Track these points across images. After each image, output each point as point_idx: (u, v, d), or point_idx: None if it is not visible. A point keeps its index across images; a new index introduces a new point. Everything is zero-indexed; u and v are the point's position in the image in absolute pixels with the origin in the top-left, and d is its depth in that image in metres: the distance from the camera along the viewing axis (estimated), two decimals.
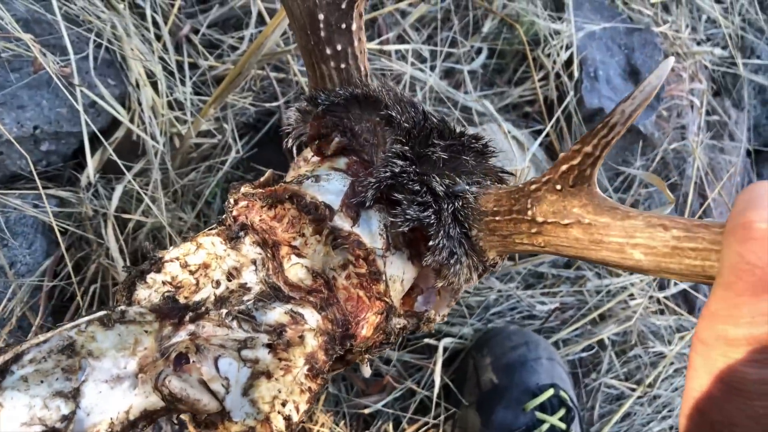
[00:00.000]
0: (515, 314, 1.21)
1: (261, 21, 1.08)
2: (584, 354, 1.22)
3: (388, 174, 0.53)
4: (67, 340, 0.47)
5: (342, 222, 0.54)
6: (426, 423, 1.02)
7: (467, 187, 0.56)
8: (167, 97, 0.97)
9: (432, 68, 1.20)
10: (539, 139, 1.17)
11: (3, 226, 0.81)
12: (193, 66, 1.04)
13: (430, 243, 0.54)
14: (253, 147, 1.06)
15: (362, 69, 0.59)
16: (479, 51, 1.30)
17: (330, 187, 0.55)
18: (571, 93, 1.28)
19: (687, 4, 1.66)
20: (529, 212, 0.52)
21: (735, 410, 0.34)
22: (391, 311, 0.55)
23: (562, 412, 0.97)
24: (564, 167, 0.49)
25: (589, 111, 1.29)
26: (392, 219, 0.54)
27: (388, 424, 1.02)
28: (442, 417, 1.02)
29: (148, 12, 1.00)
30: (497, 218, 0.54)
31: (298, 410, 0.53)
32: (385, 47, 1.14)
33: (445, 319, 0.67)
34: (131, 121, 0.92)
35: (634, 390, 1.22)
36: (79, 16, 0.92)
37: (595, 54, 1.32)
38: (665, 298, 1.28)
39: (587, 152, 0.48)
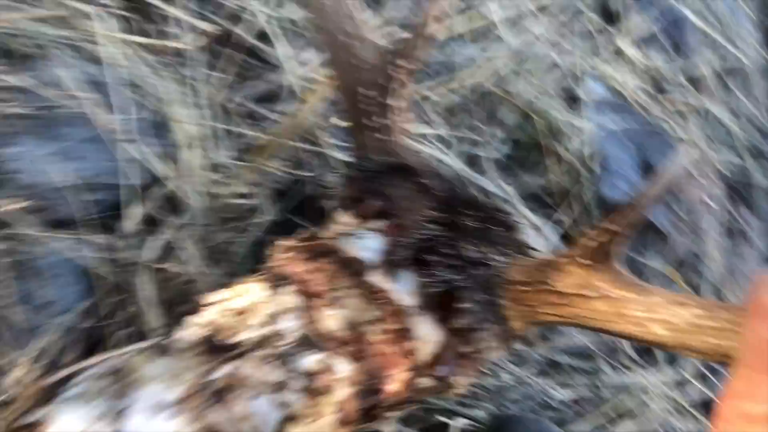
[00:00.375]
0: (530, 401, 1.21)
1: (297, 95, 1.16)
2: None
3: (423, 237, 0.58)
4: (119, 366, 0.51)
5: (377, 279, 0.58)
6: None
7: (496, 257, 0.60)
8: (206, 159, 1.03)
9: (456, 154, 1.27)
10: (554, 228, 1.21)
11: (44, 267, 0.86)
12: (231, 133, 1.11)
13: (460, 306, 0.57)
14: (283, 213, 1.11)
15: (402, 142, 0.65)
16: (502, 141, 1.37)
17: (368, 245, 0.60)
18: (588, 185, 1.34)
19: (705, 115, 1.75)
20: (556, 284, 0.55)
21: None
22: (419, 370, 0.58)
23: None
24: (591, 244, 0.53)
25: (605, 203, 1.34)
26: (424, 280, 0.58)
27: None
28: None
29: (194, 82, 1.08)
30: (524, 288, 0.58)
31: None
32: (411, 130, 1.21)
33: (465, 390, 0.69)
34: (171, 179, 0.98)
35: None
36: (132, 81, 0.99)
37: (613, 149, 1.38)
38: (688, 404, 1.28)
39: (613, 231, 0.52)
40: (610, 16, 1.77)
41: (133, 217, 0.94)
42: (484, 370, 1.14)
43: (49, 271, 0.87)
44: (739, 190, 1.70)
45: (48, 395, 0.49)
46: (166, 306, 0.91)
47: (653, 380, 1.25)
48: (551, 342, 1.27)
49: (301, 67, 1.18)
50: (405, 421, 1.07)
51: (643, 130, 1.45)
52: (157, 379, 0.52)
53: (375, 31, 0.99)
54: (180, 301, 0.94)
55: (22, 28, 0.95)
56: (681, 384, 1.30)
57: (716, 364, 0.49)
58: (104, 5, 1.04)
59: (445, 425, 1.05)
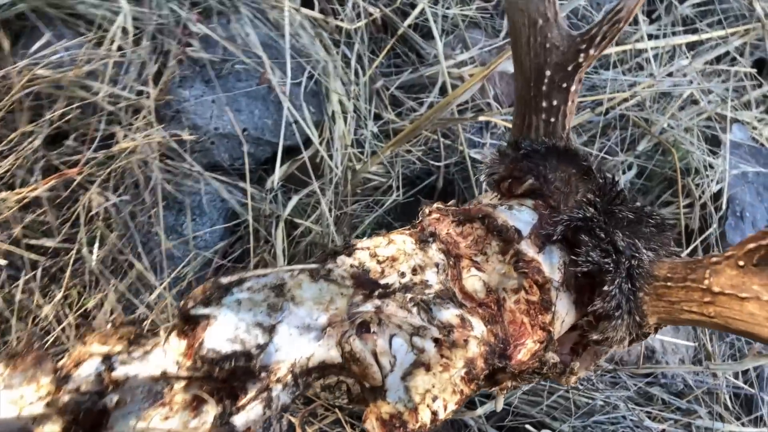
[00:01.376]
0: (618, 428, 1.18)
1: (443, 91, 1.20)
2: None
3: (579, 216, 0.59)
4: (280, 281, 0.55)
5: (528, 248, 0.60)
6: None
7: (646, 251, 0.61)
8: (353, 134, 1.09)
9: None
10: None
11: (198, 202, 0.93)
12: (377, 116, 1.16)
13: (604, 288, 0.58)
14: (410, 198, 1.15)
15: (566, 127, 0.67)
16: (630, 166, 1.36)
17: (521, 217, 0.62)
18: (715, 225, 1.30)
19: None
20: (706, 281, 0.55)
21: None
22: (551, 343, 0.59)
23: None
24: (751, 246, 0.53)
25: (729, 247, 1.30)
26: (573, 258, 0.59)
27: None
28: None
29: (353, 62, 1.14)
30: (669, 284, 0.58)
31: (446, 408, 0.57)
32: None
33: (578, 383, 0.70)
34: (320, 145, 1.04)
35: None
36: (302, 50, 1.06)
37: (745, 196, 1.34)
38: None
39: None
40: (761, 69, 1.72)
41: (279, 173, 1.00)
42: (575, 389, 1.13)
43: (200, 207, 0.95)
44: None
45: (220, 294, 0.53)
46: (292, 259, 0.97)
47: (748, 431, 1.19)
48: (649, 377, 1.24)
49: (455, 65, 1.22)
50: (493, 423, 1.08)
51: None
52: (311, 301, 0.56)
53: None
54: (304, 258, 0.99)
55: None
56: None
57: None
58: None
59: None
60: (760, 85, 1.65)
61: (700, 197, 1.32)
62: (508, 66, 1.07)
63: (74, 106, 0.84)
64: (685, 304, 0.57)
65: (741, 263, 0.53)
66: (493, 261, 0.61)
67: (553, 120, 0.66)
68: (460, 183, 1.19)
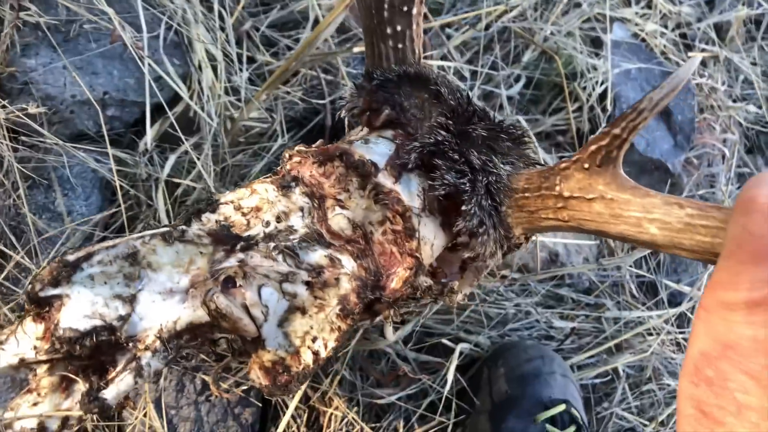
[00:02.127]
0: (532, 332, 1.24)
1: (317, 25, 1.16)
2: (598, 381, 1.24)
3: (431, 141, 0.59)
4: (132, 249, 0.53)
5: (385, 180, 0.60)
6: (437, 422, 1.05)
7: (502, 166, 0.61)
8: (225, 82, 1.04)
9: (471, 88, 1.27)
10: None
11: (67, 176, 0.88)
12: (251, 60, 1.12)
13: (463, 208, 0.59)
14: (298, 141, 1.13)
15: (417, 51, 0.66)
16: (518, 78, 1.36)
17: (377, 149, 0.61)
18: (604, 125, 1.33)
19: (725, 62, 1.72)
20: (557, 188, 0.57)
21: (729, 367, 0.36)
22: (420, 268, 0.60)
23: (572, 429, 0.98)
24: (593, 147, 0.54)
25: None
26: (430, 183, 0.59)
27: (399, 420, 1.05)
28: (452, 419, 1.05)
29: (216, 5, 1.08)
30: (526, 195, 0.60)
31: (326, 347, 0.58)
32: (428, 62, 1.21)
33: (465, 299, 0.72)
34: (190, 99, 0.99)
35: (645, 426, 1.23)
36: (155, 0, 1.00)
37: (629, 92, 1.37)
38: (684, 338, 1.30)
39: (615, 134, 0.53)
40: None
41: (152, 133, 0.96)
42: (484, 300, 1.17)
43: (71, 181, 0.90)
44: (755, 139, 1.68)
45: (68, 273, 0.51)
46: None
47: (654, 315, 1.26)
48: (555, 278, 1.30)
49: None
50: (411, 347, 1.11)
51: (662, 73, 1.43)
52: (169, 265, 0.54)
53: None
54: (209, 193, 0.97)
55: None
56: (681, 319, 1.31)
57: (705, 262, 0.50)
58: None
59: (450, 349, 1.08)
60: None
61: (587, 100, 1.35)
62: None
63: None
64: (543, 212, 0.58)
65: (586, 166, 0.54)
66: (355, 197, 0.60)
67: (401, 46, 0.65)
68: (349, 118, 1.17)
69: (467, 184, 0.58)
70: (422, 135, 0.61)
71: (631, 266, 1.33)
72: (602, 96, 1.35)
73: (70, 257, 0.52)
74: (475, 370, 1.13)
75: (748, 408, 0.34)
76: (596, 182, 0.54)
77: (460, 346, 1.10)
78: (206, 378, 0.92)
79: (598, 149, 0.54)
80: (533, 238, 0.92)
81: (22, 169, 0.85)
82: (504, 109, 1.28)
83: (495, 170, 0.60)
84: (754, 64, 1.76)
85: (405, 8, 0.63)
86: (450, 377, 1.03)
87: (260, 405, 0.92)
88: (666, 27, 1.66)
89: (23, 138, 0.86)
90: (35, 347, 0.50)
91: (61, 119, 0.91)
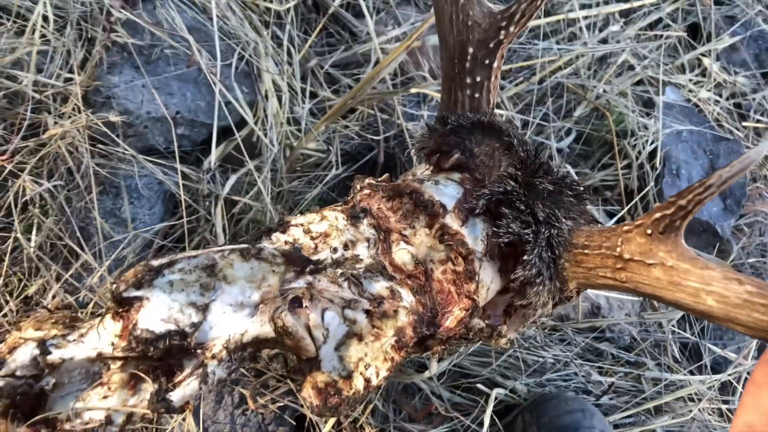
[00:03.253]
0: (570, 384, 1.24)
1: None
2: None
3: (500, 189, 0.62)
4: (211, 261, 0.56)
5: (452, 221, 0.62)
6: None
7: (564, 220, 0.64)
8: (288, 113, 1.09)
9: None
10: (614, 220, 1.23)
11: (135, 185, 0.93)
12: (313, 95, 1.17)
13: (524, 258, 0.61)
14: (351, 174, 1.16)
15: (491, 102, 0.69)
16: (568, 132, 1.39)
17: (446, 191, 0.64)
18: (652, 184, 1.35)
19: None
20: (618, 249, 0.59)
21: None
22: (476, 310, 0.62)
23: None
24: (657, 215, 0.56)
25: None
26: (495, 230, 0.62)
27: None
28: None
29: (285, 42, 1.14)
30: (586, 251, 0.62)
31: (378, 375, 0.60)
32: None
33: (509, 344, 0.73)
34: (255, 124, 1.04)
35: None
36: (231, 32, 1.06)
37: (680, 153, 1.39)
38: (727, 407, 1.29)
39: (681, 205, 0.55)
40: (695, 34, 1.77)
41: (216, 153, 1.00)
42: (524, 348, 1.18)
43: (138, 191, 0.94)
44: None
45: (151, 277, 0.54)
46: (234, 237, 0.97)
47: (696, 379, 1.25)
48: (596, 332, 1.30)
49: (387, 42, 1.23)
50: (446, 385, 1.12)
51: (715, 138, 1.45)
52: (243, 279, 0.57)
53: None
54: (281, 213, 1.00)
55: None
56: (725, 386, 1.30)
57: (760, 339, 0.52)
58: None
59: (484, 392, 1.09)
60: (693, 48, 1.70)
61: (637, 158, 1.37)
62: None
63: (0, 95, 0.83)
64: (600, 270, 0.60)
65: (649, 231, 0.56)
66: (420, 234, 0.63)
67: (477, 95, 0.68)
68: (401, 156, 1.21)
69: (530, 235, 0.61)
70: (492, 183, 0.63)
71: (674, 327, 1.33)
72: (651, 155, 1.37)
73: (155, 263, 0.55)
74: (512, 418, 1.13)
75: None
76: (657, 248, 0.56)
77: (496, 391, 1.11)
78: (245, 392, 0.94)
79: (662, 217, 0.56)
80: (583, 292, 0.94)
81: (97, 174, 0.89)
82: (554, 160, 1.31)
83: (557, 224, 0.62)
84: None
85: (486, 61, 0.66)
86: (486, 420, 1.03)
87: (294, 424, 0.93)
88: (720, 95, 1.68)
89: (100, 146, 0.91)
90: (113, 344, 0.53)
91: (135, 133, 0.95)
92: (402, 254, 0.62)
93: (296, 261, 0.59)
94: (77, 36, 0.92)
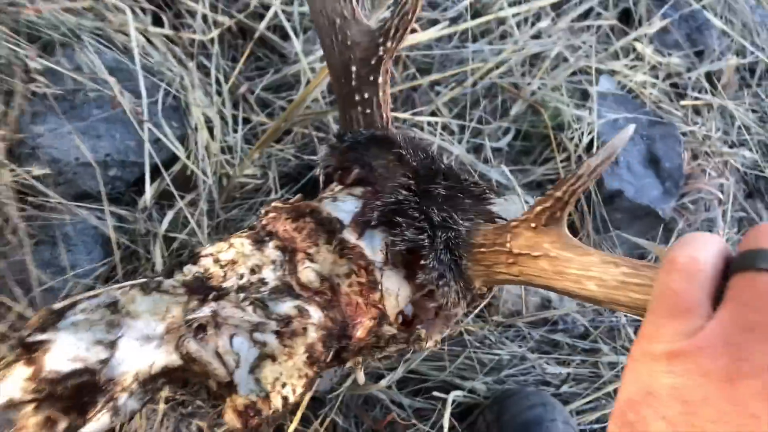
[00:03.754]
0: (528, 378, 1.25)
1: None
2: (597, 426, 1.24)
3: (392, 200, 0.64)
4: (113, 299, 0.58)
5: (349, 235, 0.64)
6: None
7: (462, 222, 0.66)
8: (221, 142, 1.11)
9: (459, 141, 1.32)
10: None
11: (71, 233, 0.94)
12: (247, 120, 1.19)
13: (422, 262, 0.63)
14: (292, 195, 1.18)
15: (384, 116, 0.71)
16: (506, 131, 1.42)
17: (344, 207, 0.66)
18: None
19: (719, 109, 1.76)
20: (508, 245, 0.61)
21: (650, 412, 0.39)
22: (384, 318, 0.64)
23: None
24: (538, 209, 0.59)
25: (609, 192, 1.38)
26: (392, 238, 0.64)
27: None
28: None
29: (213, 71, 1.16)
30: (483, 249, 0.64)
31: (294, 392, 0.62)
32: (417, 118, 1.27)
33: (438, 346, 0.75)
34: (187, 158, 1.06)
35: None
36: (154, 68, 1.08)
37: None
38: None
39: (558, 197, 0.57)
40: (627, 20, 1.81)
41: (151, 192, 1.02)
42: (477, 348, 1.19)
43: (72, 238, 0.96)
44: (753, 183, 1.71)
45: (53, 320, 0.56)
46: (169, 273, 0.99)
47: None
48: (549, 324, 1.32)
49: (317, 60, 1.25)
50: (406, 393, 1.13)
51: (650, 123, 1.48)
52: (147, 313, 0.59)
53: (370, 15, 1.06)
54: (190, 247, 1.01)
55: (60, 18, 1.04)
56: None
57: (640, 317, 0.54)
58: (136, 0, 1.13)
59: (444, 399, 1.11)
60: (627, 35, 1.73)
61: (575, 150, 1.39)
62: None
63: None
64: (496, 267, 0.62)
65: (533, 225, 0.59)
66: (323, 251, 0.65)
67: (369, 111, 0.70)
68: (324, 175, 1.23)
69: (426, 240, 0.63)
70: (384, 194, 0.65)
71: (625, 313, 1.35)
72: (590, 145, 1.40)
73: (56, 306, 0.57)
74: (474, 417, 1.14)
75: None
76: (542, 240, 0.58)
77: (453, 394, 1.12)
78: (201, 424, 0.95)
79: (543, 210, 0.58)
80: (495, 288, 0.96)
81: (31, 226, 0.91)
82: (490, 161, 1.33)
83: (454, 226, 0.65)
84: (754, 111, 1.81)
85: (371, 77, 0.69)
86: (446, 424, 1.05)
87: None
88: (657, 77, 1.72)
89: (30, 198, 0.93)
90: (23, 388, 0.55)
91: (65, 180, 0.97)
92: (307, 272, 0.64)
93: (198, 290, 0.60)
94: None
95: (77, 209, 0.94)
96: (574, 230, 1.37)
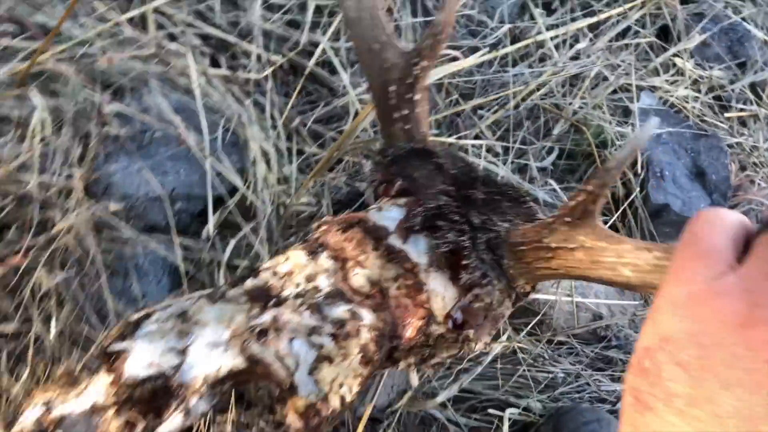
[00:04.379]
0: (584, 395, 1.25)
1: (356, 117, 1.30)
2: None
3: (433, 205, 0.68)
4: (183, 309, 0.64)
5: (395, 241, 0.69)
6: None
7: (500, 223, 0.69)
8: (278, 173, 1.18)
9: (504, 162, 1.36)
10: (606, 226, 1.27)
11: (141, 263, 1.02)
12: (300, 152, 1.26)
13: (464, 262, 0.67)
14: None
15: (423, 131, 0.76)
16: (550, 151, 1.45)
17: (388, 215, 0.71)
18: (637, 189, 1.38)
19: (765, 120, 1.75)
20: (546, 240, 0.64)
21: (664, 358, 0.39)
22: (432, 318, 0.68)
23: None
24: (572, 203, 0.62)
25: (655, 206, 1.38)
26: (435, 241, 0.68)
27: None
28: None
29: (267, 107, 1.24)
30: (522, 248, 0.67)
31: (351, 391, 0.66)
32: (462, 142, 1.32)
33: (487, 348, 0.78)
34: (247, 189, 1.13)
35: None
36: (214, 106, 1.17)
37: (661, 156, 1.43)
38: None
39: (589, 191, 0.61)
40: (666, 37, 1.82)
41: (214, 222, 1.09)
42: (533, 366, 1.20)
43: (143, 268, 1.03)
44: None
45: (131, 330, 0.62)
46: None
47: None
48: (603, 341, 1.32)
49: (364, 92, 1.32)
50: (461, 412, 1.15)
51: (694, 136, 1.48)
52: (214, 321, 0.64)
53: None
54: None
55: (129, 65, 1.14)
56: None
57: None
58: (195, 45, 1.23)
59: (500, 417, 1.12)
60: (665, 50, 1.75)
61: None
62: None
63: (9, 199, 0.94)
64: (537, 263, 0.66)
65: (568, 219, 0.62)
66: (371, 257, 0.69)
67: (408, 127, 0.75)
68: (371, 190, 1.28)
69: (467, 241, 0.67)
70: (426, 201, 0.70)
71: None
72: (634, 161, 1.41)
73: (133, 317, 0.63)
74: None
75: (676, 395, 0.37)
76: (577, 233, 0.61)
77: (509, 412, 1.14)
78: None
79: (576, 205, 0.61)
80: (539, 287, 0.98)
81: (105, 259, 0.99)
82: (536, 180, 1.36)
83: (494, 228, 0.68)
84: None
85: (409, 95, 0.74)
86: None
87: None
88: (699, 91, 1.72)
89: (105, 231, 1.01)
90: (106, 393, 0.61)
91: (136, 214, 1.06)
92: (358, 278, 0.68)
93: (259, 298, 0.66)
94: (73, 133, 1.04)
95: (147, 241, 1.02)
96: None
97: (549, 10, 1.66)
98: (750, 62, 1.82)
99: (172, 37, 1.21)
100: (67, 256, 0.97)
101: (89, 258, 0.98)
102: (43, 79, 1.06)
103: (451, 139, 1.32)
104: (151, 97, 1.09)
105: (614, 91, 1.57)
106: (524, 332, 1.24)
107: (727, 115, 1.73)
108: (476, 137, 1.39)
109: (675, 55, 1.73)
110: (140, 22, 1.20)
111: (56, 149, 1.00)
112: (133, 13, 1.17)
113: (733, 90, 1.78)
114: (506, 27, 1.50)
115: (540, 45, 1.56)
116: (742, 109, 1.75)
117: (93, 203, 1.00)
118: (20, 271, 0.93)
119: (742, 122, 1.74)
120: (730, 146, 1.64)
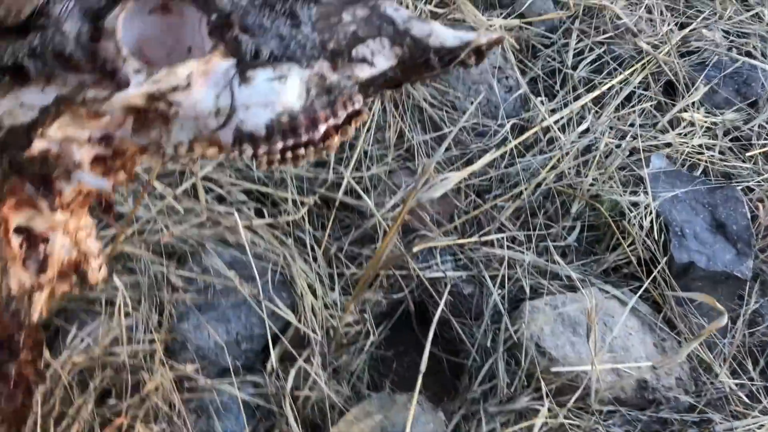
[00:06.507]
0: None
1: (385, 236, 1.45)
2: None
3: None
4: None
5: None
6: None
7: None
8: (323, 299, 1.34)
9: (528, 248, 1.48)
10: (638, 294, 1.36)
11: (219, 405, 1.19)
12: (340, 275, 1.42)
13: None
14: (390, 330, 1.39)
15: None
16: (571, 229, 1.55)
17: None
18: (661, 252, 1.47)
19: None
20: None
21: None
22: None
23: None
24: None
25: (681, 266, 1.46)
26: None
27: None
28: None
29: (307, 241, 1.42)
30: None
31: None
32: (485, 238, 1.45)
33: None
34: (299, 321, 1.30)
35: None
36: (262, 254, 1.35)
37: (678, 215, 1.51)
38: None
39: None
40: (673, 91, 1.92)
41: (274, 356, 1.26)
42: None
43: (221, 409, 1.21)
44: None
45: None
46: (305, 423, 1.20)
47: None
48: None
49: (389, 211, 1.49)
50: None
51: (709, 190, 1.56)
52: None
53: None
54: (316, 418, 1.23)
55: (188, 233, 1.34)
56: None
57: None
58: (242, 201, 1.43)
59: None
60: (675, 105, 1.84)
61: (638, 235, 1.50)
62: (432, 193, 1.31)
63: (108, 370, 1.13)
64: None
65: None
66: None
67: None
68: (427, 302, 1.42)
69: None
70: None
71: (727, 372, 1.40)
72: (651, 226, 1.50)
73: None
74: None
75: None
76: None
77: None
78: None
79: None
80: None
81: (188, 407, 1.17)
82: (558, 263, 1.47)
83: None
84: None
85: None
86: None
87: None
88: (715, 137, 1.80)
89: (186, 382, 1.20)
90: None
91: (210, 362, 1.24)
92: None
93: None
94: (150, 303, 1.23)
95: (221, 384, 1.20)
96: (658, 307, 1.46)
97: (551, 95, 1.80)
98: (761, 100, 1.88)
99: (221, 198, 1.42)
100: (158, 410, 1.15)
101: (176, 410, 1.15)
102: (120, 258, 1.28)
103: (475, 239, 1.46)
104: (209, 258, 1.29)
105: (629, 155, 1.67)
106: (568, 405, 1.32)
107: (749, 154, 1.79)
108: (499, 230, 1.52)
109: (683, 109, 1.81)
110: (191, 190, 1.41)
111: (138, 320, 1.19)
112: (185, 186, 1.38)
113: (751, 129, 1.84)
114: (509, 124, 1.64)
115: (546, 131, 1.68)
116: (764, 145, 1.81)
117: (172, 361, 1.18)
118: (123, 429, 1.12)
119: (767, 156, 1.79)
120: (758, 184, 1.70)
